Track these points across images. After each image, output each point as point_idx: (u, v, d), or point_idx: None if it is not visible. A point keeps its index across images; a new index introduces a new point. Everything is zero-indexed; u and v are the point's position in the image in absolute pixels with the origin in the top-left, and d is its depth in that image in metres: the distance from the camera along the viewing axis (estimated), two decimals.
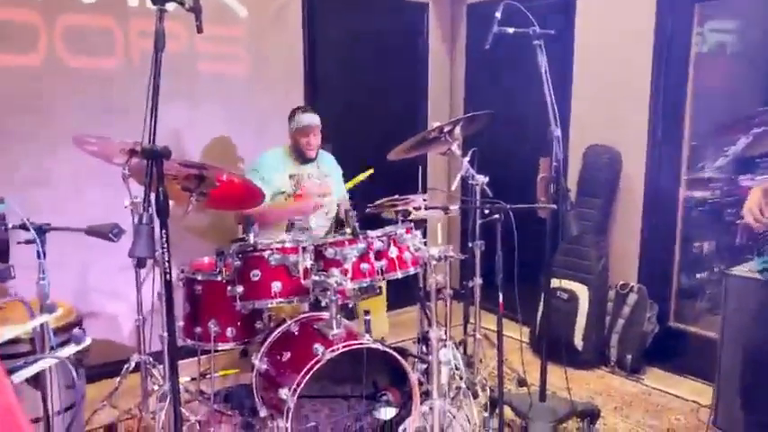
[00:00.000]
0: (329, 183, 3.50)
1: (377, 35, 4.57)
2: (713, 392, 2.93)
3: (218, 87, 3.83)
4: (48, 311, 1.39)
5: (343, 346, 2.44)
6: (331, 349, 2.40)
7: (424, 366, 2.93)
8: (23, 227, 2.06)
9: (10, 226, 2.07)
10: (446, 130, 2.97)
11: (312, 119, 3.36)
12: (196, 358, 3.00)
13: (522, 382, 3.37)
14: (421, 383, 2.87)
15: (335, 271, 2.56)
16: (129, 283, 3.06)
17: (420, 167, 3.38)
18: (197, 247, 3.68)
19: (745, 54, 3.42)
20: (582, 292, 3.82)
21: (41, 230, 2.03)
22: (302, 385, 2.33)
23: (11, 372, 1.08)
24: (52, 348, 1.99)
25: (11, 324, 1.76)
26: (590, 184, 3.94)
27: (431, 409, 2.49)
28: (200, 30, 2.19)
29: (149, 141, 2.14)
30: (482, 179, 2.89)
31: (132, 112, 3.31)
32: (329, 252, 2.63)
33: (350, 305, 3.03)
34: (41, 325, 1.75)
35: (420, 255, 2.66)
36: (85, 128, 3.23)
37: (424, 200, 2.84)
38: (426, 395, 2.64)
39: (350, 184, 3.41)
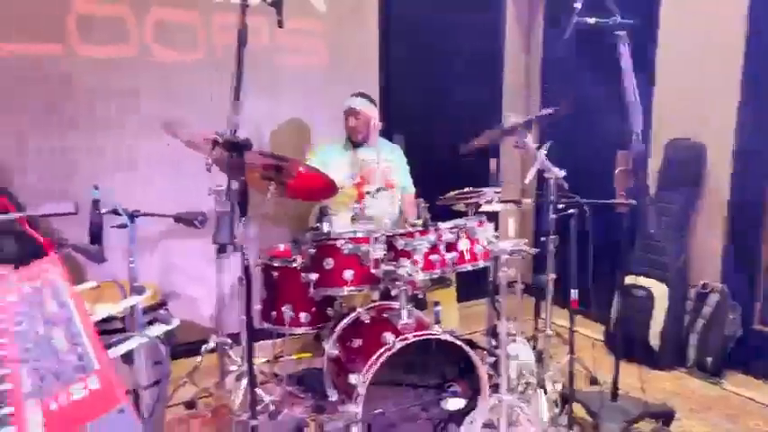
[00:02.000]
0: (390, 170, 3.54)
1: (452, 24, 4.54)
2: None
3: (295, 79, 3.91)
4: (137, 293, 1.49)
5: (413, 336, 2.48)
6: (401, 338, 2.43)
7: (493, 360, 2.92)
8: (115, 212, 2.20)
9: (103, 211, 2.22)
10: (520, 125, 2.91)
11: (354, 102, 3.42)
12: (271, 341, 3.11)
13: (593, 381, 3.30)
14: (489, 377, 2.87)
15: (406, 261, 2.60)
16: (209, 267, 3.21)
17: (495, 160, 3.34)
18: (273, 235, 3.80)
19: None
20: (659, 289, 3.69)
21: (132, 216, 2.16)
22: (372, 372, 2.38)
23: (107, 347, 1.17)
24: (142, 327, 2.13)
25: (104, 303, 1.89)
26: (671, 178, 3.79)
27: (499, 402, 2.49)
28: (280, 24, 2.26)
29: (232, 133, 2.24)
30: (558, 172, 2.83)
31: (214, 104, 3.46)
32: (400, 243, 2.67)
33: (419, 296, 3.06)
34: (132, 305, 1.87)
35: (491, 248, 2.65)
36: (169, 117, 3.38)
37: (497, 192, 2.82)
38: (495, 389, 2.64)
39: None
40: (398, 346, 2.42)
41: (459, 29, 4.59)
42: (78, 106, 3.35)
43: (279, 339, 3.19)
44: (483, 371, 2.54)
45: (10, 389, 1.07)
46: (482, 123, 3.04)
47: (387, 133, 3.83)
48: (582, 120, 3.99)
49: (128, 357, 1.86)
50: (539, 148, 2.88)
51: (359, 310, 2.78)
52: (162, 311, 1.28)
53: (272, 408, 2.86)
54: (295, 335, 3.07)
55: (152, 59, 3.51)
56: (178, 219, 2.30)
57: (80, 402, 0.95)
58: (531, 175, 2.89)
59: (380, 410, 2.40)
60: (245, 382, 2.84)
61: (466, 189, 2.78)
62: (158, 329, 1.28)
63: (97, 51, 3.35)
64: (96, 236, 2.17)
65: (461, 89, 4.60)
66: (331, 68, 4.02)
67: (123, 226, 2.19)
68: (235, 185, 2.22)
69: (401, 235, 2.65)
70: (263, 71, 3.78)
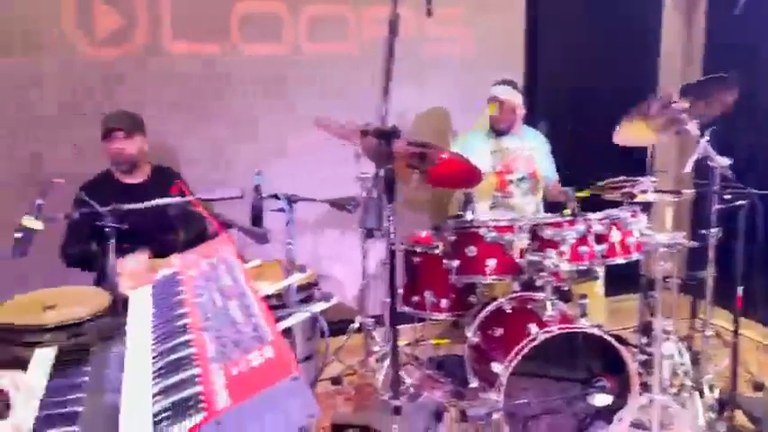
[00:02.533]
0: (533, 158, 3.47)
1: (604, 8, 4.30)
2: None
3: (439, 68, 3.93)
4: (299, 272, 1.60)
5: (558, 329, 2.43)
6: (545, 330, 2.40)
7: (644, 358, 2.78)
8: (275, 197, 2.36)
9: (264, 196, 2.39)
10: (676, 100, 2.70)
11: (498, 90, 3.35)
12: (412, 325, 3.18)
13: (757, 386, 3.04)
14: (639, 375, 2.74)
15: (552, 252, 2.54)
16: (354, 250, 3.35)
17: (651, 146, 3.13)
18: (413, 221, 3.86)
19: None
20: None
21: (290, 201, 2.30)
22: (515, 362, 2.37)
23: (275, 321, 1.27)
24: (296, 303, 2.29)
25: (264, 280, 2.03)
26: None
27: (650, 402, 2.37)
28: (430, 13, 2.28)
29: (381, 122, 2.32)
30: (723, 161, 2.62)
31: (360, 95, 3.57)
32: (546, 233, 2.61)
33: (564, 288, 2.98)
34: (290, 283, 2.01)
35: (646, 240, 2.52)
36: (320, 110, 3.53)
37: (653, 182, 2.66)
38: (645, 387, 2.52)
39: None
40: (542, 338, 2.38)
41: (613, 10, 4.34)
42: (238, 101, 3.60)
43: (419, 323, 3.26)
44: (633, 368, 2.43)
45: (196, 352, 1.20)
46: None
47: (532, 119, 3.75)
48: (751, 103, 3.65)
49: (286, 332, 2.00)
50: (701, 134, 2.68)
51: (501, 299, 2.76)
52: (324, 291, 1.37)
53: (412, 390, 2.93)
54: (435, 320, 3.13)
55: (304, 54, 3.68)
56: (332, 204, 2.42)
57: (258, 369, 1.04)
58: (690, 163, 2.70)
59: (525, 401, 2.37)
60: (387, 362, 2.94)
61: (619, 177, 2.66)
62: (319, 306, 1.37)
63: (255, 49, 3.59)
64: (257, 219, 2.34)
65: (614, 72, 4.35)
66: (475, 55, 3.99)
67: (281, 210, 2.35)
68: (382, 173, 2.29)
69: (548, 224, 2.59)
70: (409, 61, 3.82)
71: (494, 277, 2.65)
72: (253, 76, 3.61)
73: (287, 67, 3.66)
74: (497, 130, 3.42)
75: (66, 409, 1.34)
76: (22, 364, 2.08)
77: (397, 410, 2.35)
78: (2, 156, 3.20)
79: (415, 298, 2.97)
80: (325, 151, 3.58)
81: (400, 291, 3.00)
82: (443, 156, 2.63)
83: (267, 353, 1.08)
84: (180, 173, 3.19)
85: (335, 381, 3.14)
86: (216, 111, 3.57)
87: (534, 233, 2.65)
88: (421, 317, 3.03)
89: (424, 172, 2.72)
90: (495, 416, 2.39)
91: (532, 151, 3.47)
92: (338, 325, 3.31)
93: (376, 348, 3.10)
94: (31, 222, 1.93)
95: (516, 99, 3.40)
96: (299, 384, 0.99)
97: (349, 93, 3.69)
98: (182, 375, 1.14)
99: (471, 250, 2.66)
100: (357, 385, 3.08)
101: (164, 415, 1.04)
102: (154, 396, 1.13)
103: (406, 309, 3.01)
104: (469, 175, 2.77)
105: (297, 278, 1.87)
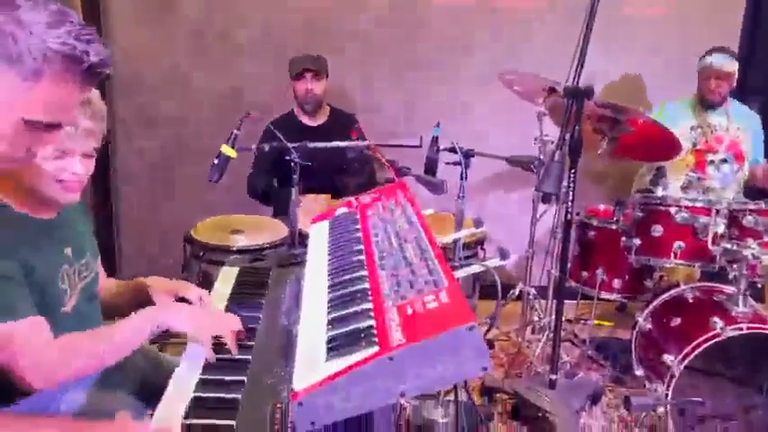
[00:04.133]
0: (740, 138, 3.09)
1: None
2: None
3: (638, 29, 3.58)
4: (476, 226, 1.55)
5: (748, 328, 2.17)
6: (733, 327, 2.16)
7: None
8: (452, 150, 2.32)
9: (441, 147, 2.35)
10: None
11: (717, 60, 2.97)
12: (575, 301, 3.02)
13: None
14: None
15: (753, 243, 2.26)
16: (523, 215, 3.23)
17: None
18: (590, 192, 3.62)
19: None
20: None
21: (467, 155, 2.25)
22: (692, 356, 2.17)
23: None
24: (460, 259, 2.26)
25: (435, 230, 2.02)
26: None
27: None
28: None
29: (574, 81, 2.17)
30: None
31: (546, 52, 3.37)
32: (749, 220, 2.33)
33: (759, 285, 2.66)
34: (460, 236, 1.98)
35: None
36: (501, 65, 3.39)
37: None
38: None
39: None
40: (729, 334, 2.14)
41: None
42: (424, 51, 3.57)
43: (583, 300, 3.09)
44: None
45: (371, 287, 1.21)
46: None
47: (743, 94, 3.32)
48: None
49: None
50: None
51: (683, 286, 2.52)
52: (503, 247, 1.32)
53: (568, 367, 2.81)
54: (602, 299, 2.95)
55: (495, 6, 3.54)
56: (512, 161, 2.34)
57: (433, 312, 1.02)
58: None
59: (698, 399, 2.17)
60: (545, 335, 2.83)
61: None
62: (495, 262, 1.32)
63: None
64: (430, 170, 2.31)
65: None
66: (682, 17, 3.57)
67: (456, 164, 2.30)
68: (568, 135, 2.15)
69: (752, 211, 2.30)
70: (604, 20, 3.53)
71: (679, 262, 2.43)
72: (442, 27, 3.54)
73: (477, 19, 3.55)
74: (708, 103, 3.06)
75: (246, 325, 1.44)
76: (208, 279, 2.29)
77: (552, 384, 2.27)
78: (206, 89, 3.49)
79: (585, 274, 2.82)
80: (505, 109, 3.46)
81: (569, 264, 2.85)
82: (640, 121, 2.40)
83: (443, 297, 1.05)
84: (358, 119, 3.26)
85: (488, 344, 3.08)
86: (402, 60, 3.58)
87: (733, 219, 2.37)
88: (587, 294, 2.87)
89: (614, 139, 2.51)
90: (660, 409, 2.21)
91: (741, 132, 3.08)
92: (494, 288, 3.23)
93: (535, 319, 3.00)
94: (227, 150, 2.06)
95: (736, 71, 3.01)
96: (476, 335, 0.95)
97: (536, 50, 3.51)
98: (356, 308, 1.16)
99: (657, 230, 2.45)
100: (510, 353, 3.01)
101: (338, 342, 1.06)
102: (328, 324, 1.15)
103: (573, 284, 2.87)
104: (667, 147, 2.52)
105: (470, 232, 1.83)
